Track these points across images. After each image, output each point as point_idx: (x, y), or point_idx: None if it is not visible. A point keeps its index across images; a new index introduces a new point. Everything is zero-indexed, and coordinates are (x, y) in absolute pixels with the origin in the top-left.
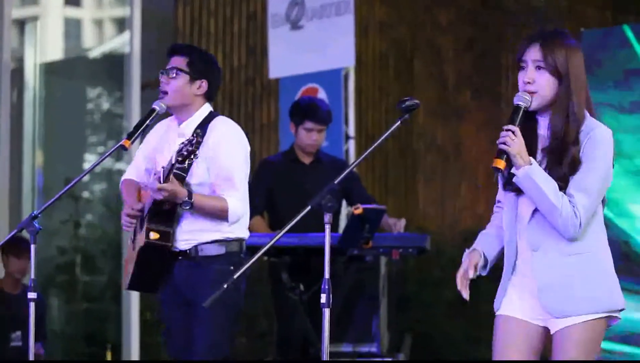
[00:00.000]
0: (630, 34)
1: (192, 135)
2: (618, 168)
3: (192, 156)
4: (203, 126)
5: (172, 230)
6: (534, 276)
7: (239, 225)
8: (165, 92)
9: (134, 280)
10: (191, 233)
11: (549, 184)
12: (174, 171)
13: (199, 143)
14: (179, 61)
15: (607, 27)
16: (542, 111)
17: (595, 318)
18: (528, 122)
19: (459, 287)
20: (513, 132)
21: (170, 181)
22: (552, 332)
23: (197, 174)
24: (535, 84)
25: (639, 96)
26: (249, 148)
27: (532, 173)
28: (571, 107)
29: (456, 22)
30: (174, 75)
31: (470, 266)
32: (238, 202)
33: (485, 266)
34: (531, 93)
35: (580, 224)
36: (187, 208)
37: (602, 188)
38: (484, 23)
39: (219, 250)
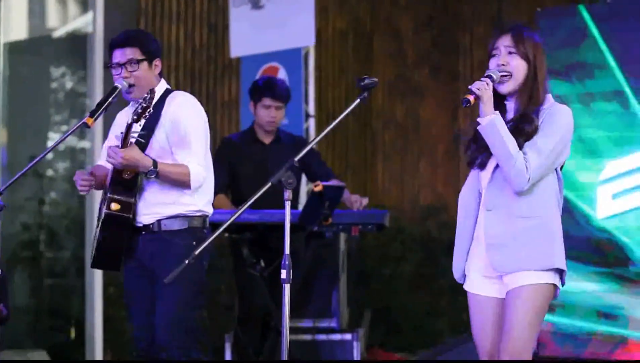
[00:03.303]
0: (585, 14)
1: (147, 92)
2: (578, 157)
3: (146, 112)
4: (161, 101)
5: (133, 200)
6: (485, 234)
7: (201, 198)
8: (133, 84)
9: (97, 256)
10: (154, 206)
11: (509, 135)
12: (132, 136)
13: (152, 98)
14: (133, 52)
15: (563, 7)
16: (510, 96)
17: (542, 283)
18: (497, 107)
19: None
20: (487, 83)
21: (129, 147)
22: (505, 296)
23: (158, 143)
24: (509, 66)
25: (595, 79)
26: (206, 119)
27: (497, 120)
28: (534, 90)
29: (414, 0)
30: (135, 68)
31: None
32: (199, 167)
33: None
34: (506, 74)
35: (528, 179)
36: (153, 176)
37: (556, 153)
38: (441, 2)
39: (182, 225)
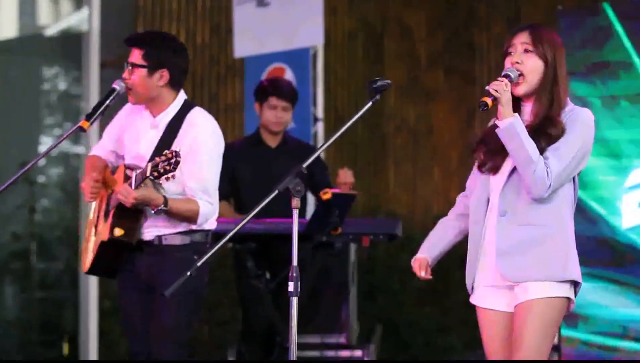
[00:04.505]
0: (610, 12)
1: (172, 153)
2: (600, 159)
3: (168, 176)
4: (179, 119)
5: (137, 226)
6: (496, 241)
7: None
8: (129, 88)
9: (94, 267)
10: (155, 227)
11: (529, 139)
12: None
13: (177, 163)
14: (135, 54)
15: (586, 4)
16: (527, 98)
17: (554, 296)
18: (512, 108)
19: (423, 278)
20: (506, 83)
21: (144, 186)
22: (514, 309)
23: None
24: (524, 65)
25: (619, 80)
26: (223, 144)
27: (517, 124)
28: (555, 93)
29: None
30: (132, 71)
31: (421, 271)
32: (209, 206)
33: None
34: (519, 73)
35: (549, 186)
36: (162, 214)
37: (577, 160)
38: (454, 0)
39: (184, 240)
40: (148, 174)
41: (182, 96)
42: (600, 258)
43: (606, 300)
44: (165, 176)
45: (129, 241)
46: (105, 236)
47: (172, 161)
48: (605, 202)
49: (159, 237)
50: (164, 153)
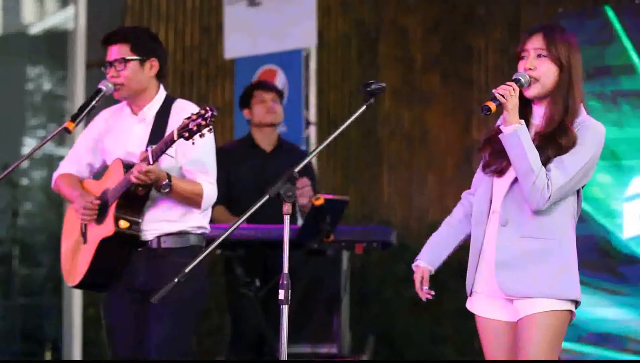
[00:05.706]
0: (611, 14)
1: (205, 109)
2: (600, 163)
3: (203, 131)
4: (165, 109)
5: (141, 219)
6: (496, 251)
7: (205, 215)
8: (121, 85)
9: (88, 276)
10: (157, 223)
11: (532, 148)
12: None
13: (213, 116)
14: (122, 50)
15: (587, 7)
16: (539, 100)
17: (557, 310)
18: (523, 109)
19: (422, 297)
20: (514, 88)
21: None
22: (517, 321)
23: (164, 158)
24: (537, 71)
25: (621, 84)
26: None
27: (521, 132)
28: (570, 98)
29: (423, 1)
30: (122, 67)
31: (422, 284)
32: (212, 187)
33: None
34: (531, 79)
35: (548, 198)
36: (166, 191)
37: (582, 174)
38: (452, 2)
39: (183, 242)
40: (176, 138)
41: (162, 90)
42: (597, 267)
43: (605, 312)
44: (200, 132)
45: (135, 234)
46: (109, 230)
47: (207, 115)
48: (607, 214)
49: (158, 238)
50: (192, 113)
